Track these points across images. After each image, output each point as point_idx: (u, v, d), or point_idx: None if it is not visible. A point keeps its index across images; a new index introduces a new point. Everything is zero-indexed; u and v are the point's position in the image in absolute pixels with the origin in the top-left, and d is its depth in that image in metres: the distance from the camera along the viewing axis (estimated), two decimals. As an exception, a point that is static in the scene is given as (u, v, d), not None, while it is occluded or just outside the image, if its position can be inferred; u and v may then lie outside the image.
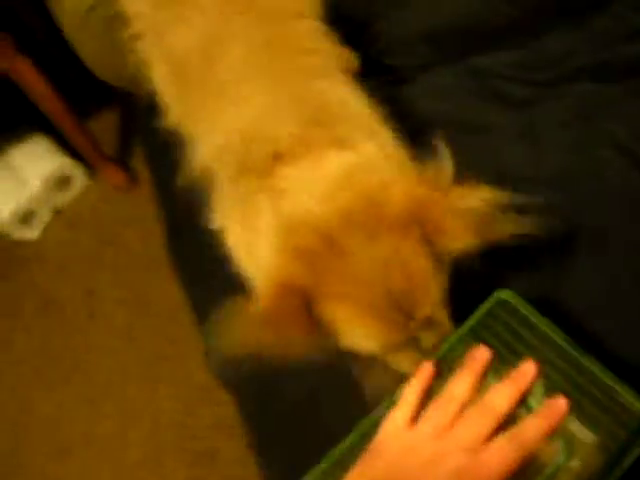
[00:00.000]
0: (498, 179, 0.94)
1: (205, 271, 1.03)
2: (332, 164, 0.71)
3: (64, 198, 2.09)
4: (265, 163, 0.74)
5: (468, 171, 0.95)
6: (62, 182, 2.06)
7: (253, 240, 0.75)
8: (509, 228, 0.67)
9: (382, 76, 1.14)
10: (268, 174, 0.74)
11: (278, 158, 0.73)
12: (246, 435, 0.96)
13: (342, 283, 0.66)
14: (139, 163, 2.07)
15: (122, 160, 2.12)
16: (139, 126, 1.52)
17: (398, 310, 0.66)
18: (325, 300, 0.67)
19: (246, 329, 0.66)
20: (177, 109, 0.90)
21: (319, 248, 0.66)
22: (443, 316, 0.70)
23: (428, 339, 0.70)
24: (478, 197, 0.66)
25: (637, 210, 0.92)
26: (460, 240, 0.66)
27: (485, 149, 1.03)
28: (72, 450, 1.68)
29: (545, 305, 0.69)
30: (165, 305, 1.78)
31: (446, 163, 0.71)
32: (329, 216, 0.67)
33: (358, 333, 0.68)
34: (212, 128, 0.81)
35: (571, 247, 0.89)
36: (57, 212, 2.08)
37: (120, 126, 2.21)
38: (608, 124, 1.01)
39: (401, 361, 0.72)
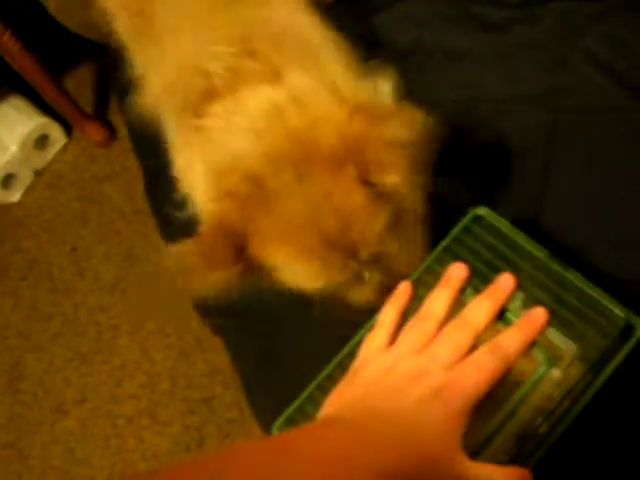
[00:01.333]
0: (477, 102, 0.95)
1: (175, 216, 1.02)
2: (258, 100, 0.67)
3: (44, 158, 2.06)
4: (198, 101, 0.71)
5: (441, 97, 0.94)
6: (40, 142, 2.02)
7: (191, 182, 0.74)
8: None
9: (354, 4, 1.11)
10: (201, 113, 0.70)
11: (211, 95, 0.70)
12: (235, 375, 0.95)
13: (275, 226, 0.64)
14: (118, 118, 2.03)
15: (100, 116, 2.08)
16: (111, 78, 1.49)
17: (336, 250, 0.64)
18: (260, 243, 0.65)
19: (190, 271, 0.64)
20: (138, 58, 0.87)
21: (248, 190, 0.64)
22: (392, 251, 0.68)
23: (373, 277, 0.68)
24: (413, 127, 0.62)
25: (619, 127, 0.90)
26: (396, 175, 0.63)
27: (463, 74, 1.01)
28: (67, 409, 1.68)
29: (524, 224, 0.68)
30: (152, 257, 1.76)
31: (385, 89, 0.69)
32: (255, 157, 0.64)
33: (297, 274, 0.66)
34: (156, 67, 0.79)
35: (553, 167, 0.87)
36: (38, 173, 2.05)
37: (96, 82, 2.17)
38: (588, 42, 0.99)
39: (352, 296, 0.71)
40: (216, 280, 0.64)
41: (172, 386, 1.62)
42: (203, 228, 0.67)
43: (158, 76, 0.78)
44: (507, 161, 0.87)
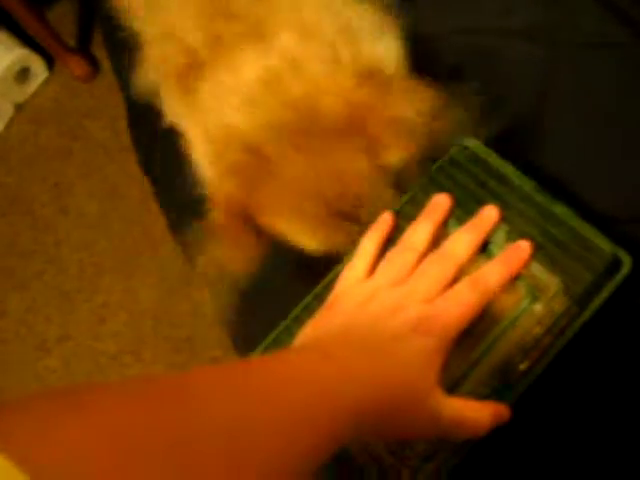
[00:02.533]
0: (473, 34, 0.91)
1: (162, 159, 0.99)
2: (250, 67, 0.64)
3: (25, 92, 2.02)
4: (188, 77, 0.67)
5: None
6: (21, 75, 1.98)
7: (193, 155, 0.71)
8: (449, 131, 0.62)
9: None
10: (192, 89, 0.67)
11: (198, 67, 0.67)
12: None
13: (277, 193, 0.62)
14: (101, 52, 1.99)
15: (83, 49, 2.04)
16: (97, 12, 1.45)
17: (338, 214, 0.62)
18: (265, 213, 0.64)
19: (210, 250, 0.64)
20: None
21: (250, 163, 0.62)
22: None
23: None
24: (418, 103, 0.60)
25: (617, 64, 0.87)
26: (398, 154, 0.61)
27: (458, 9, 0.97)
28: (49, 347, 1.68)
29: (521, 165, 0.66)
30: (136, 195, 1.74)
31: (391, 53, 0.65)
32: (255, 129, 0.62)
33: (301, 238, 0.65)
34: (150, 41, 0.75)
35: (547, 101, 0.85)
36: (19, 107, 2.01)
37: (80, 14, 2.11)
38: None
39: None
40: (241, 256, 0.64)
41: (156, 324, 1.62)
42: (214, 213, 0.65)
43: (151, 50, 0.75)
44: (502, 95, 0.84)
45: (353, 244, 0.66)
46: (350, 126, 0.60)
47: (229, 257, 0.64)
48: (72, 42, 2.03)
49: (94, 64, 1.99)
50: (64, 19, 2.07)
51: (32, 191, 1.86)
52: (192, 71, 0.67)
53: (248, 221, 0.64)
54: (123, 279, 1.68)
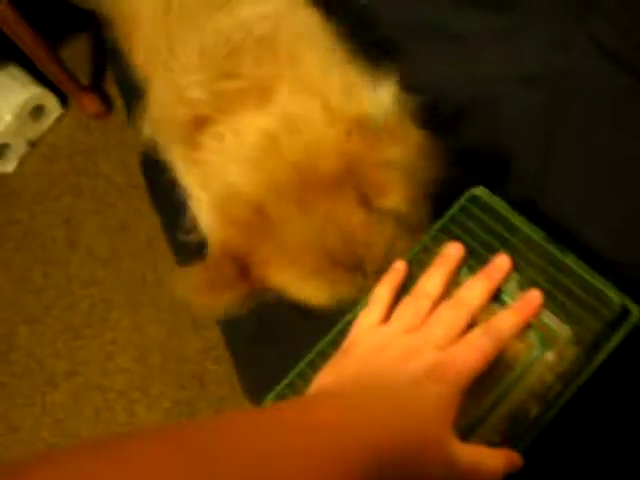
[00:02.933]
0: (476, 82, 0.94)
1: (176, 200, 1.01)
2: (251, 129, 0.66)
3: (39, 129, 2.04)
4: (190, 131, 0.70)
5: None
6: (36, 113, 2.00)
7: (195, 208, 0.73)
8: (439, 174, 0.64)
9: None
10: (196, 145, 0.70)
11: (201, 124, 0.69)
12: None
13: (279, 250, 0.64)
14: (114, 90, 2.01)
15: (96, 88, 2.06)
16: (109, 52, 1.47)
17: (342, 267, 0.64)
18: (265, 266, 0.66)
19: (199, 292, 0.66)
20: (139, 56, 0.86)
21: (251, 219, 0.64)
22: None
23: None
24: (410, 146, 0.62)
25: (619, 109, 0.89)
26: (394, 196, 0.63)
27: (462, 55, 0.99)
28: (58, 382, 1.68)
29: (523, 206, 0.67)
30: (146, 231, 1.76)
31: (385, 99, 0.67)
32: (256, 187, 0.64)
33: (303, 292, 0.67)
34: (155, 86, 0.78)
35: (553, 151, 0.87)
36: (32, 144, 2.04)
37: (93, 53, 2.14)
38: (590, 21, 0.98)
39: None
40: (223, 300, 0.66)
41: (164, 361, 1.62)
42: (209, 253, 0.68)
43: (152, 105, 0.77)
44: (505, 142, 0.86)
45: (357, 294, 0.67)
46: (345, 177, 0.62)
47: (215, 299, 0.66)
48: (85, 80, 2.05)
49: (107, 102, 2.02)
50: (78, 58, 2.10)
51: (44, 227, 1.88)
52: (196, 126, 0.69)
53: (242, 270, 0.66)
54: (132, 315, 1.69)
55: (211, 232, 0.68)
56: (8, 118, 1.93)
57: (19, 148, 2.01)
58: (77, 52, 2.13)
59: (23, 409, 1.67)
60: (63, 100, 2.06)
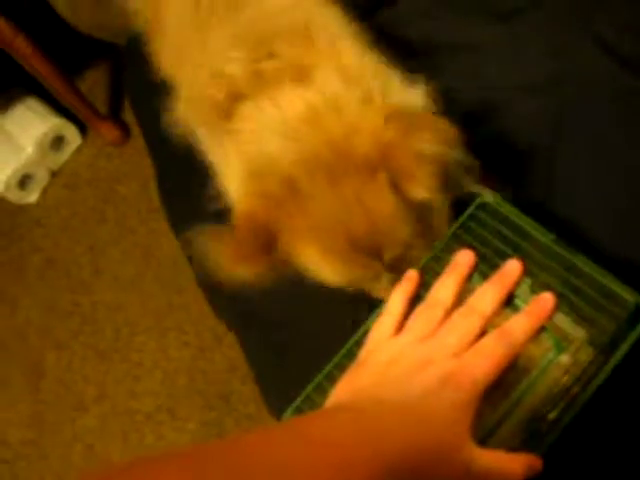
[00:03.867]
0: (482, 91, 0.94)
1: (191, 211, 1.02)
2: (293, 103, 0.67)
3: (60, 159, 2.07)
4: (227, 105, 0.71)
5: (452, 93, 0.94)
6: (56, 143, 2.04)
7: (226, 182, 0.74)
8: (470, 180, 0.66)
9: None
10: (231, 116, 0.71)
11: (238, 98, 0.70)
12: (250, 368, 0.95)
13: (305, 226, 0.65)
14: (131, 117, 2.04)
15: (114, 115, 2.10)
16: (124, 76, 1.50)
17: (362, 251, 0.65)
18: (289, 240, 0.66)
19: (219, 258, 0.66)
20: (166, 55, 0.88)
21: (282, 193, 0.65)
22: (415, 256, 0.68)
23: (392, 278, 0.69)
24: (445, 140, 0.63)
25: (626, 110, 0.89)
26: (423, 190, 0.64)
27: (468, 65, 1.00)
28: (87, 406, 1.70)
29: (533, 212, 0.68)
30: (169, 255, 1.77)
31: (418, 97, 0.68)
32: (292, 160, 0.65)
33: (322, 271, 0.68)
34: (187, 72, 0.79)
35: (560, 153, 0.87)
36: (54, 174, 2.07)
37: (110, 81, 2.18)
38: (594, 25, 0.98)
39: (373, 290, 0.72)
40: (249, 270, 0.67)
41: (190, 382, 1.63)
42: (235, 222, 0.68)
43: (183, 90, 0.79)
44: (514, 149, 0.86)
45: (372, 280, 0.68)
46: (379, 162, 0.63)
47: (241, 269, 0.66)
48: (103, 109, 2.09)
49: (125, 129, 2.05)
50: (95, 88, 2.14)
51: (68, 254, 1.91)
52: (231, 100, 0.70)
53: (265, 244, 0.66)
54: (157, 338, 1.71)
55: (240, 202, 0.69)
56: (29, 150, 1.97)
57: (41, 178, 2.04)
58: (94, 81, 2.17)
59: (54, 435, 1.68)
60: (82, 129, 2.09)
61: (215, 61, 0.72)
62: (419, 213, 0.66)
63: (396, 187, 0.64)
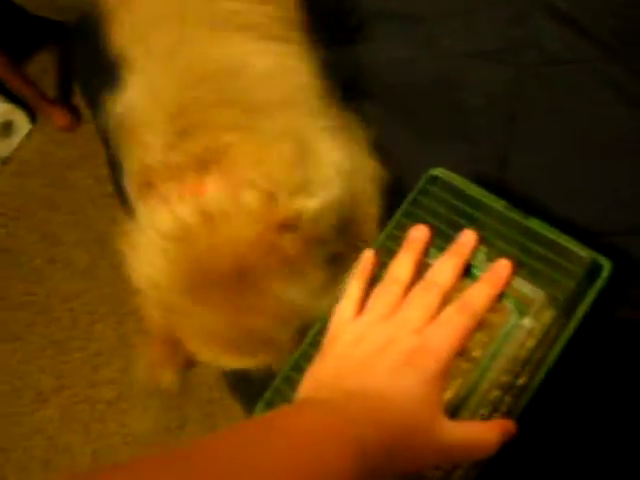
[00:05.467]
0: (436, 60, 0.93)
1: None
2: (169, 218, 0.65)
3: (9, 146, 2.03)
4: (139, 187, 0.71)
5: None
6: (4, 129, 2.00)
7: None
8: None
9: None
10: (138, 202, 0.70)
11: (148, 187, 0.69)
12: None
13: (190, 334, 0.66)
14: (82, 102, 2.00)
15: (65, 100, 2.05)
16: (73, 57, 1.46)
17: (253, 350, 0.66)
18: (187, 344, 0.67)
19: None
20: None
21: (165, 305, 0.66)
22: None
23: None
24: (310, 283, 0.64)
25: (581, 79, 0.89)
26: (273, 326, 0.65)
27: (420, 35, 0.99)
28: (46, 398, 1.67)
29: (489, 185, 0.67)
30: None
31: (329, 163, 0.68)
32: (165, 278, 0.65)
33: (224, 363, 0.68)
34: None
35: (515, 121, 0.86)
36: (3, 161, 2.03)
37: (59, 65, 2.13)
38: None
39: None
40: (170, 372, 0.68)
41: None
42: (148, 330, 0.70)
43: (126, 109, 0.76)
44: (470, 120, 0.85)
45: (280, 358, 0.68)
46: (241, 282, 0.62)
47: (161, 373, 0.68)
48: (53, 94, 2.04)
49: (76, 114, 2.01)
50: (44, 72, 2.09)
51: (21, 243, 1.87)
52: (143, 188, 0.70)
53: (174, 345, 0.67)
54: (115, 326, 1.68)
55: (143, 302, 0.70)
56: (-23, 134, 1.92)
57: (-10, 167, 1.99)
58: (42, 66, 2.12)
59: (12, 428, 1.65)
60: (31, 115, 2.04)
61: (147, 136, 0.70)
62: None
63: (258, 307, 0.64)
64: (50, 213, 1.89)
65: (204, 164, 0.66)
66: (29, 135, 2.05)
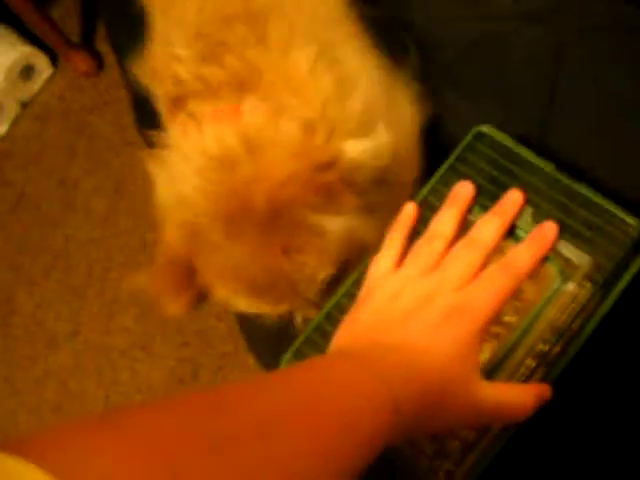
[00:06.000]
0: (481, 20, 0.91)
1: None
2: (213, 136, 0.63)
3: (30, 89, 2.01)
4: (170, 105, 0.68)
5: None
6: (26, 73, 1.97)
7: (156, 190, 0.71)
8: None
9: None
10: (172, 123, 0.68)
11: (179, 103, 0.67)
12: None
13: (209, 267, 0.64)
14: (105, 47, 1.98)
15: (88, 45, 2.02)
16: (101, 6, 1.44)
17: (268, 297, 0.64)
18: (203, 276, 0.65)
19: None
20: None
21: (192, 230, 0.63)
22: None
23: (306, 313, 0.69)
24: (351, 213, 0.62)
25: (627, 46, 0.87)
26: (310, 261, 0.62)
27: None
28: (60, 343, 1.68)
29: (532, 146, 0.66)
30: (143, 189, 1.73)
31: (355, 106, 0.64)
32: (196, 204, 0.62)
33: (238, 305, 0.67)
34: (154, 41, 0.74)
35: (557, 86, 0.85)
36: (24, 105, 2.01)
37: (83, 9, 2.09)
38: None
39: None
40: (180, 301, 0.66)
41: (165, 318, 1.61)
42: (157, 258, 0.68)
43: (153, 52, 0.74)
44: (511, 79, 0.84)
45: (287, 312, 0.67)
46: (275, 221, 0.60)
47: (171, 300, 0.66)
48: (76, 38, 2.01)
49: (98, 59, 1.98)
50: (67, 16, 2.06)
51: (39, 188, 1.86)
52: (174, 104, 0.67)
53: (187, 274, 0.65)
54: (132, 275, 1.68)
55: (161, 225, 0.68)
56: (-1, 77, 1.90)
57: (11, 109, 1.98)
58: (66, 10, 2.09)
59: (26, 372, 1.66)
60: (53, 59, 2.02)
61: (173, 48, 0.68)
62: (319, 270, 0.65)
63: (288, 247, 0.62)
64: (69, 159, 1.88)
65: (240, 83, 0.64)
66: (50, 79, 2.02)
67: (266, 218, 0.60)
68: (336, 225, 0.62)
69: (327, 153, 0.61)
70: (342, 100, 0.65)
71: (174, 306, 0.66)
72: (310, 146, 0.61)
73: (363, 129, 0.64)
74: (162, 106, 0.72)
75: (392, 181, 0.66)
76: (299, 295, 0.65)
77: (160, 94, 0.73)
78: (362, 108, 0.65)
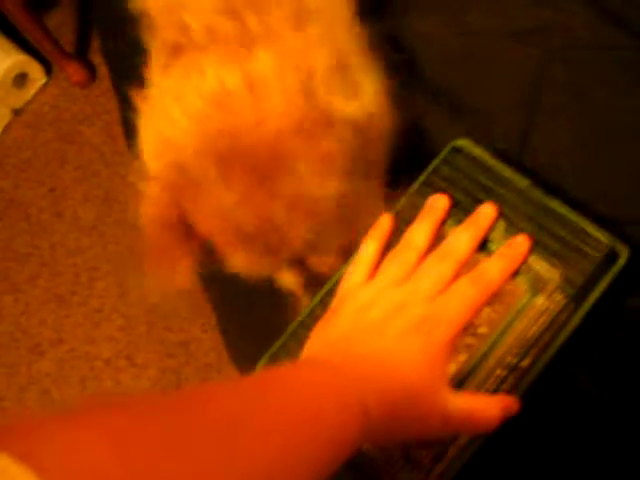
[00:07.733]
0: (461, 37, 0.92)
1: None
2: (214, 79, 0.60)
3: (22, 97, 2.02)
4: (167, 51, 0.65)
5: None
6: (19, 80, 1.98)
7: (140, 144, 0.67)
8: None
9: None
10: (169, 67, 0.65)
11: (178, 51, 0.64)
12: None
13: (199, 214, 0.61)
14: (98, 58, 1.99)
15: (81, 55, 2.04)
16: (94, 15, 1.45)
17: (256, 246, 0.62)
18: (197, 227, 0.62)
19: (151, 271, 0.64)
20: None
21: (179, 179, 0.60)
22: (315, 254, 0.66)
23: (289, 278, 0.67)
24: (349, 180, 0.60)
25: (609, 65, 0.88)
26: (301, 221, 0.61)
27: (447, 8, 0.98)
28: (44, 350, 1.67)
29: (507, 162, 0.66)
30: (132, 199, 1.74)
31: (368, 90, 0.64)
32: (188, 144, 0.59)
33: (228, 260, 0.64)
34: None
35: (538, 103, 0.86)
36: (16, 112, 2.01)
37: (78, 21, 2.11)
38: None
39: (285, 280, 0.69)
40: (183, 267, 0.63)
41: (150, 329, 1.61)
42: (149, 230, 0.64)
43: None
44: (493, 96, 0.85)
45: (275, 272, 0.66)
46: (274, 169, 0.59)
47: (166, 276, 0.63)
48: (70, 48, 2.03)
49: (91, 70, 1.99)
50: (62, 26, 2.08)
51: (28, 195, 1.86)
52: (171, 51, 0.65)
53: (183, 232, 0.62)
54: (118, 283, 1.68)
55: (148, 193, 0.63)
56: (-9, 84, 1.91)
57: (3, 116, 1.98)
58: (61, 20, 2.10)
59: (8, 378, 1.66)
60: (47, 68, 2.03)
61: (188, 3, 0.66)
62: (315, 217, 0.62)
63: (282, 193, 0.60)
64: (59, 167, 1.89)
65: (252, 40, 0.62)
66: (43, 88, 2.03)
67: (264, 165, 0.59)
68: (329, 189, 0.60)
69: (323, 108, 0.60)
70: (340, 72, 0.63)
71: (179, 276, 0.63)
72: (308, 100, 0.60)
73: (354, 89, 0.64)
74: (155, 57, 0.69)
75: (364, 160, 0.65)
76: (286, 249, 0.63)
77: (155, 45, 0.69)
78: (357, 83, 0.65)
